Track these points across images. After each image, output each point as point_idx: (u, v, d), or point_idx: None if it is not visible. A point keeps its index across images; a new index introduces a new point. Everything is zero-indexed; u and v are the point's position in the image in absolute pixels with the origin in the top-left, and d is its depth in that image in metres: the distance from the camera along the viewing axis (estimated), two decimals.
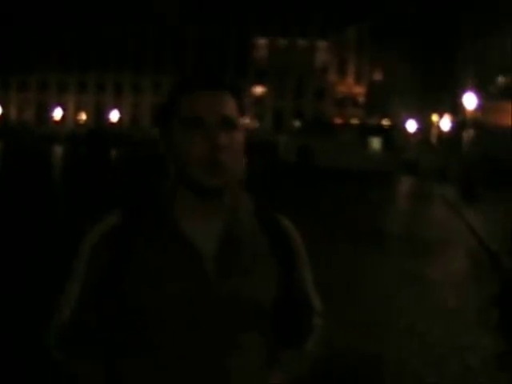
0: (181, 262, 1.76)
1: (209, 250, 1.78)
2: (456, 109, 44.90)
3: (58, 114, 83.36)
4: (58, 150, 49.04)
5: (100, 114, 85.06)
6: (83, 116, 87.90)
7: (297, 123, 56.83)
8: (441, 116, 51.80)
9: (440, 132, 52.33)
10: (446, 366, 6.03)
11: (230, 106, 1.81)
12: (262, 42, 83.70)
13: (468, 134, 32.40)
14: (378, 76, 78.56)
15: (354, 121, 65.58)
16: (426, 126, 57.87)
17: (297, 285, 1.93)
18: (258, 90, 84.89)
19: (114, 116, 78.87)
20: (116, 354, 1.81)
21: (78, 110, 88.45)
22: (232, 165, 1.78)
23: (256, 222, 1.90)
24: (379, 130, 42.65)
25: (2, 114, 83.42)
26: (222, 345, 1.74)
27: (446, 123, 49.25)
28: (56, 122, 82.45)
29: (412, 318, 7.45)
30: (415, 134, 57.70)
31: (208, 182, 1.76)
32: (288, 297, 1.89)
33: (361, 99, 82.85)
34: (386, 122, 59.08)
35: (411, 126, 58.51)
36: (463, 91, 34.46)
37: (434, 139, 55.48)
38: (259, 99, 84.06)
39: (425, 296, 8.83)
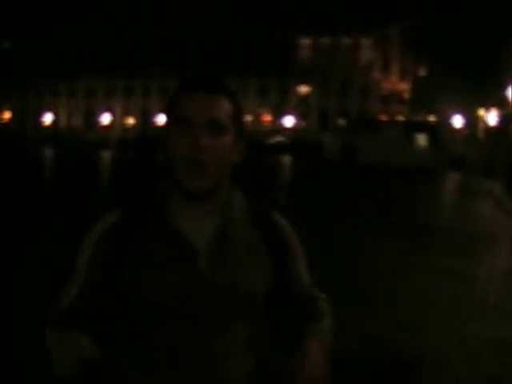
0: (176, 257, 1.85)
1: (203, 245, 1.87)
2: (503, 102, 44.25)
3: (105, 119, 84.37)
4: (107, 156, 49.63)
5: (147, 119, 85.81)
6: (130, 121, 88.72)
7: (341, 121, 56.63)
8: (487, 110, 51.07)
9: (487, 126, 51.57)
10: (483, 362, 6.07)
11: (221, 110, 1.88)
12: (305, 41, 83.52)
13: None
14: (422, 72, 77.80)
15: (400, 118, 65.26)
16: (472, 120, 57.07)
17: (291, 276, 2.01)
18: (303, 89, 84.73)
19: (161, 120, 79.51)
20: (115, 346, 1.87)
21: (125, 114, 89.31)
22: (214, 166, 1.85)
23: (249, 218, 1.98)
24: (425, 127, 42.39)
25: (52, 121, 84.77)
26: (215, 332, 1.84)
27: (492, 117, 48.55)
28: (104, 127, 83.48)
29: (451, 314, 7.48)
30: (461, 129, 56.99)
31: (192, 185, 1.84)
32: (284, 287, 1.98)
33: (406, 96, 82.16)
34: (431, 118, 58.57)
35: (457, 121, 57.83)
36: (510, 84, 34.06)
37: (480, 134, 54.70)
38: (304, 99, 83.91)
39: (466, 292, 8.83)
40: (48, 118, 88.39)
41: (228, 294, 1.86)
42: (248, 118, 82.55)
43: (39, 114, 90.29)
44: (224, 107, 1.90)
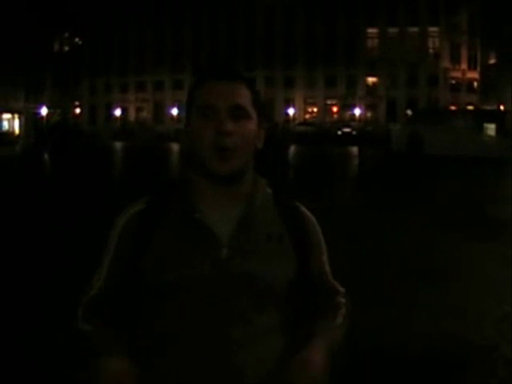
0: (198, 245, 1.90)
1: (225, 234, 1.92)
2: None
3: (174, 112, 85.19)
4: (175, 148, 50.10)
5: None
6: None
7: (409, 112, 56.06)
8: None
9: None
10: None
11: (242, 96, 1.94)
12: (372, 31, 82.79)
13: None
14: (491, 60, 76.33)
15: (469, 107, 64.19)
16: None
17: (315, 268, 2.05)
18: (371, 79, 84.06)
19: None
20: (138, 324, 1.97)
21: None
22: (239, 151, 1.90)
23: (274, 209, 2.03)
24: (494, 116, 41.62)
25: (122, 115, 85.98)
26: (232, 320, 1.88)
27: None
28: (172, 119, 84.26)
29: (509, 307, 7.46)
30: None
31: (218, 169, 1.89)
32: (307, 279, 2.02)
33: (475, 84, 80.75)
34: (501, 107, 57.47)
35: None
36: None
37: None
38: (372, 89, 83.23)
39: None
40: (117, 113, 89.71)
41: (247, 284, 1.90)
42: (315, 109, 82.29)
43: (109, 109, 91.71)
44: (245, 94, 1.95)
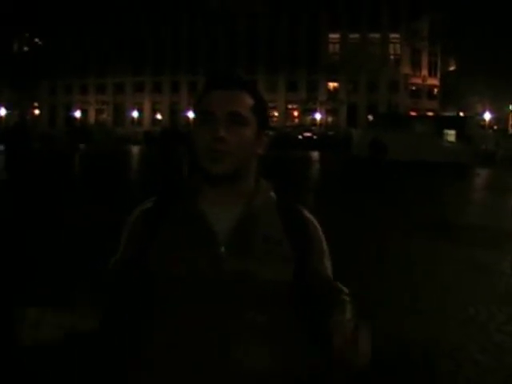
0: (198, 242, 1.99)
1: (224, 232, 2.00)
2: None
3: (134, 115, 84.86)
4: (135, 150, 49.96)
5: (175, 114, 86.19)
6: (159, 116, 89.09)
7: (370, 117, 56.46)
8: None
9: None
10: (505, 353, 6.08)
11: (241, 104, 2.01)
12: (334, 36, 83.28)
13: None
14: (452, 66, 77.29)
15: (428, 113, 64.88)
16: (502, 116, 56.68)
17: (316, 270, 2.09)
18: (332, 84, 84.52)
19: (189, 115, 79.84)
20: (140, 315, 2.03)
21: (153, 110, 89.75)
22: (233, 154, 1.97)
23: (274, 210, 2.09)
24: (454, 122, 42.09)
25: (81, 117, 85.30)
26: (229, 317, 1.92)
27: None
28: (133, 122, 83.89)
29: (475, 307, 7.47)
30: (492, 124, 56.59)
31: (212, 169, 1.98)
32: (307, 281, 2.05)
33: (435, 91, 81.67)
34: (461, 114, 58.20)
35: (487, 116, 57.46)
36: None
37: (510, 129, 54.31)
38: (333, 94, 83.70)
39: (491, 286, 8.80)
40: (77, 114, 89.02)
41: (244, 282, 1.95)
42: (276, 113, 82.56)
43: (69, 110, 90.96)
44: (244, 101, 2.03)
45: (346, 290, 2.14)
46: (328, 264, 2.15)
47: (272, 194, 2.14)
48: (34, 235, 11.57)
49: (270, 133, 2.14)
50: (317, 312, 2.06)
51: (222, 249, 1.97)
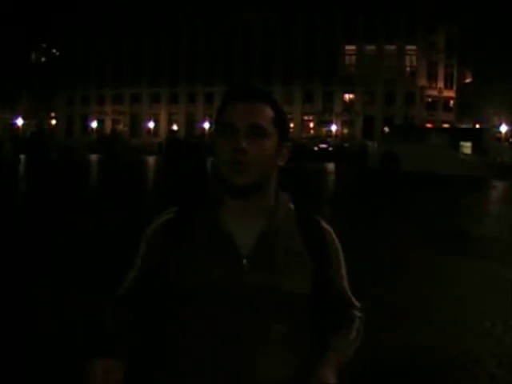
0: (219, 255, 2.00)
1: (246, 246, 2.01)
2: None
3: (150, 125, 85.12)
4: (151, 161, 50.04)
5: (191, 124, 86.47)
6: (175, 127, 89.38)
7: (386, 129, 56.31)
8: None
9: None
10: None
11: (262, 116, 2.02)
12: (350, 48, 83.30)
13: None
14: (468, 78, 77.06)
15: (444, 125, 64.62)
16: None
17: (333, 281, 2.13)
18: (348, 96, 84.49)
19: (205, 126, 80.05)
20: (162, 326, 2.06)
21: (169, 121, 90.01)
22: (255, 166, 1.98)
23: (295, 223, 2.11)
24: (470, 134, 41.87)
25: (98, 127, 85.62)
26: (253, 329, 1.94)
27: None
28: (149, 133, 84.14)
29: (491, 321, 7.42)
30: (508, 136, 56.30)
31: (234, 180, 1.98)
32: (324, 292, 2.09)
33: (452, 103, 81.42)
34: (477, 126, 57.96)
35: (504, 128, 57.18)
36: None
37: None
38: (349, 106, 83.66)
39: (507, 299, 8.73)
40: (94, 125, 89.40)
41: (264, 295, 1.97)
42: (292, 124, 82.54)
43: (85, 121, 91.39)
44: (265, 113, 2.04)
45: (357, 304, 2.20)
46: (344, 274, 2.18)
47: (291, 205, 2.16)
48: (46, 241, 11.63)
49: (290, 144, 2.15)
50: (325, 327, 2.11)
51: (244, 261, 1.99)
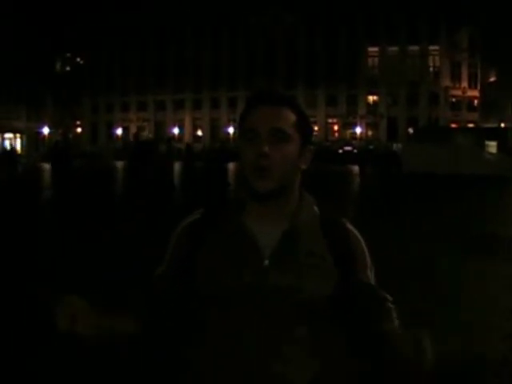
0: (243, 257, 2.03)
1: (268, 247, 2.03)
2: None
3: (175, 131, 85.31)
4: (176, 167, 50.14)
5: (216, 130, 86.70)
6: (199, 132, 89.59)
7: (410, 130, 56.05)
8: None
9: None
10: None
11: (284, 120, 2.04)
12: (372, 50, 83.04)
13: None
14: (492, 77, 76.48)
15: (469, 125, 64.16)
16: None
17: (359, 280, 2.09)
18: (371, 98, 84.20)
19: (230, 130, 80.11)
20: (187, 327, 2.12)
21: (194, 127, 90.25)
22: (278, 170, 2.00)
23: (318, 224, 2.11)
24: (495, 134, 41.61)
25: (123, 134, 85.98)
26: (277, 331, 1.97)
27: None
28: (174, 139, 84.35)
29: None
30: None
31: (257, 185, 2.01)
32: (350, 294, 2.07)
33: (476, 102, 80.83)
34: (502, 125, 57.50)
35: None
36: None
37: None
38: (372, 108, 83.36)
39: None
40: (119, 132, 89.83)
41: (288, 297, 1.99)
42: (316, 128, 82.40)
43: (110, 128, 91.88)
44: (287, 117, 2.05)
45: (390, 297, 2.15)
46: (371, 275, 2.15)
47: (315, 208, 2.17)
48: (66, 247, 11.79)
49: (313, 147, 2.16)
50: (363, 322, 2.08)
51: (266, 262, 2.01)
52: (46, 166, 46.36)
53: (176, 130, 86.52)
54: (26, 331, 6.81)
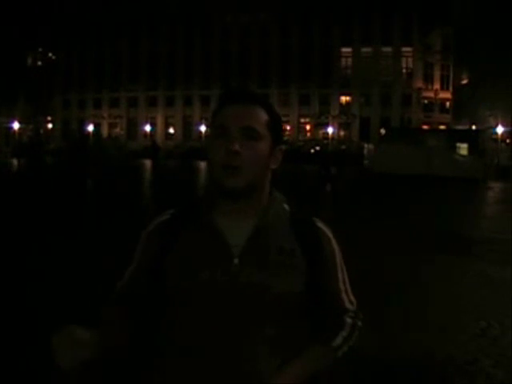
0: (212, 254, 2.00)
1: (237, 244, 2.01)
2: None
3: (147, 128, 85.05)
4: (148, 164, 50.08)
5: (188, 128, 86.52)
6: (171, 130, 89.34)
7: (383, 131, 56.33)
8: None
9: None
10: None
11: (255, 119, 2.03)
12: (346, 50, 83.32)
13: None
14: (464, 80, 77.14)
15: (441, 127, 64.68)
16: None
17: (325, 284, 2.09)
18: (344, 98, 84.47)
19: (202, 129, 80.00)
20: (155, 324, 2.08)
21: (166, 124, 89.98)
22: (247, 169, 1.98)
23: (288, 224, 2.09)
24: (467, 136, 42.01)
25: (95, 131, 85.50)
26: (244, 328, 1.94)
27: None
28: (145, 136, 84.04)
29: (487, 321, 7.45)
30: (504, 138, 56.31)
31: (226, 184, 1.98)
32: (316, 294, 2.07)
33: (448, 104, 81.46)
34: (474, 127, 58.05)
35: (500, 130, 57.18)
36: None
37: None
38: (345, 108, 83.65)
39: (503, 300, 8.77)
40: (90, 128, 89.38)
41: (255, 294, 1.96)
42: (289, 127, 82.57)
43: (82, 124, 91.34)
44: (259, 116, 2.04)
45: (351, 308, 2.16)
46: (341, 276, 2.14)
47: (285, 206, 2.15)
48: (38, 246, 11.67)
49: (284, 147, 2.15)
50: (315, 332, 2.10)
51: (236, 260, 1.98)
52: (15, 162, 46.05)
53: (148, 128, 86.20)
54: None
